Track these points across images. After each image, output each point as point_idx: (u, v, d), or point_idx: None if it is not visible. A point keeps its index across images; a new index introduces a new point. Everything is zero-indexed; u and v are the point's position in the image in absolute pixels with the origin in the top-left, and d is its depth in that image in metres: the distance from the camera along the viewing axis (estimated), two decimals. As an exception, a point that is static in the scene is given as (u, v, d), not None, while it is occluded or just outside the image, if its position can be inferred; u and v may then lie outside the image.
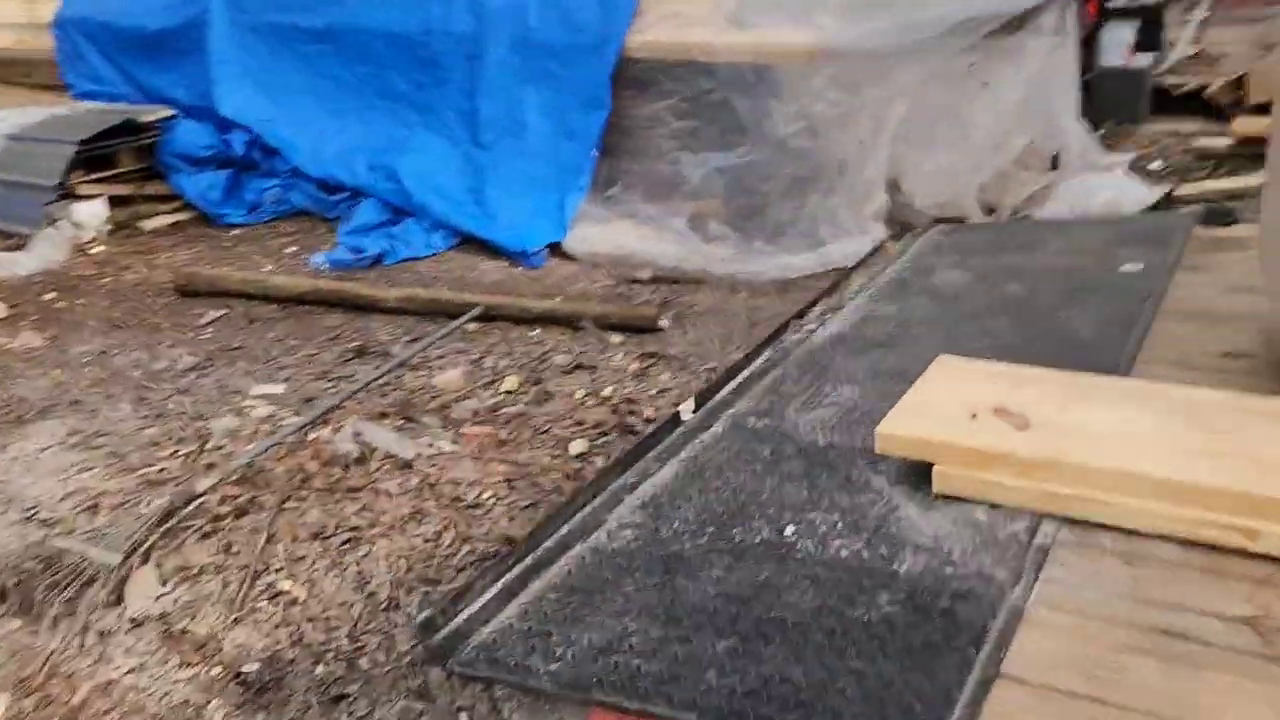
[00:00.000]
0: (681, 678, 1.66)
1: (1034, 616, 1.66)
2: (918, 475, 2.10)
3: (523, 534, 3.19)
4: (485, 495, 3.39)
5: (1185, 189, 5.24)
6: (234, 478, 3.43)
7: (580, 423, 3.86)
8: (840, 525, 1.99)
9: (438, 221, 6.05)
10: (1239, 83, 6.78)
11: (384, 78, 6.55)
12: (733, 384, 2.74)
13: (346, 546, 3.11)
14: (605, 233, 5.63)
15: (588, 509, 2.25)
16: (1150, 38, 7.04)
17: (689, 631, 1.76)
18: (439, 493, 3.38)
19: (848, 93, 5.27)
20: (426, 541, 3.16)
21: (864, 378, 2.61)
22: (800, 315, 3.16)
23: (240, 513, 3.29)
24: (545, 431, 3.83)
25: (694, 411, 2.64)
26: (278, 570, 3.04)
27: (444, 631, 1.89)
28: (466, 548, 3.14)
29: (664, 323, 4.70)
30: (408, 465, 3.48)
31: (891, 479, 2.13)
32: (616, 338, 4.61)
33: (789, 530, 2.02)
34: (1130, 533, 1.81)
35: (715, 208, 5.60)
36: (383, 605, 2.90)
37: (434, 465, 3.52)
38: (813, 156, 5.42)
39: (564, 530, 2.18)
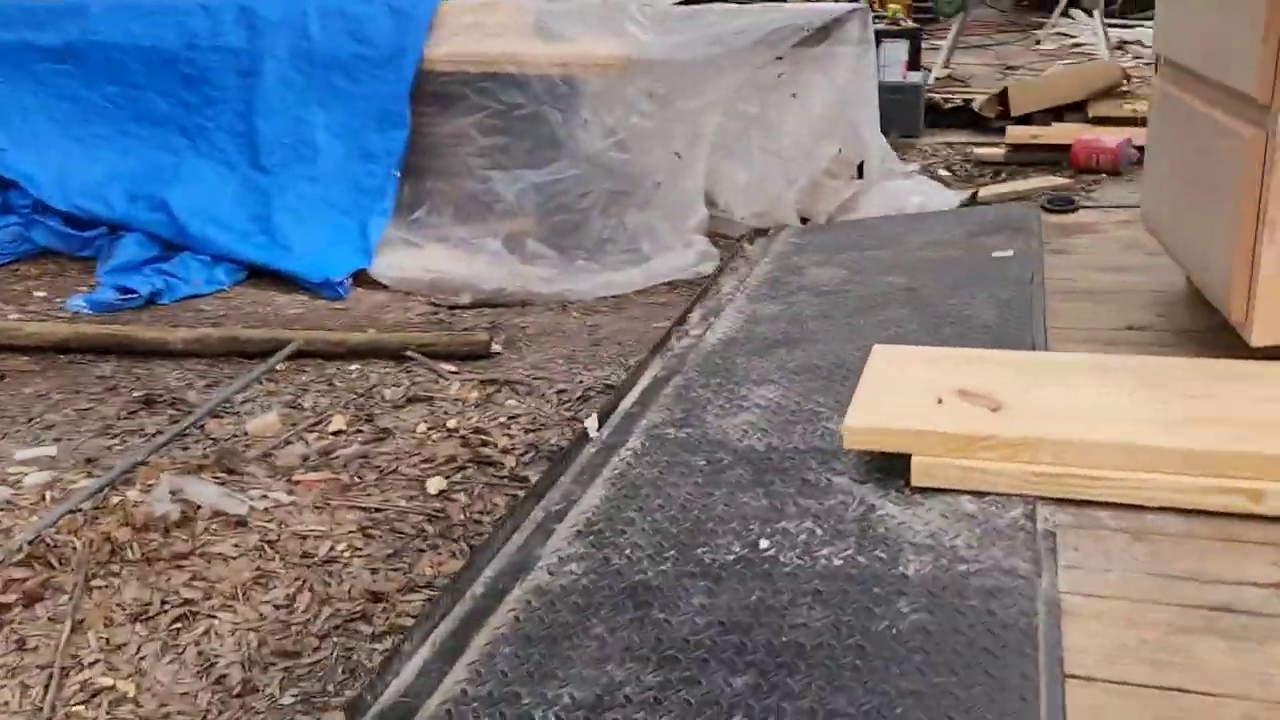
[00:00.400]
0: (708, 730, 1.39)
1: (1072, 607, 1.51)
2: (882, 470, 1.93)
3: (392, 588, 2.79)
4: (339, 548, 2.95)
5: (984, 192, 5.48)
6: (17, 558, 2.83)
7: (430, 459, 3.48)
8: (820, 532, 1.78)
9: (221, 255, 5.43)
10: (1002, 97, 7.24)
11: (142, 99, 5.84)
12: (634, 394, 2.50)
13: (179, 625, 2.60)
14: (416, 257, 5.24)
15: (512, 546, 1.93)
16: (915, 59, 7.43)
17: (692, 672, 1.49)
18: (283, 550, 2.91)
19: (662, 104, 5.17)
20: (278, 608, 2.70)
21: (778, 377, 2.44)
22: (681, 321, 2.96)
23: (31, 600, 2.70)
24: (393, 471, 3.42)
25: (599, 428, 2.38)
26: (92, 664, 2.49)
27: (373, 711, 1.52)
28: (328, 610, 2.70)
29: (497, 347, 4.38)
30: (241, 523, 2.99)
31: (854, 477, 1.94)
32: (448, 366, 4.24)
33: (763, 544, 1.79)
34: (1130, 508, 1.70)
35: (531, 226, 5.33)
36: (235, 691, 2.42)
37: (271, 520, 3.04)
38: (629, 170, 5.27)
39: (490, 574, 1.85)
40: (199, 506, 2.95)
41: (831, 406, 2.22)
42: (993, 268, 2.94)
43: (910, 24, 7.97)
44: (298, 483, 3.28)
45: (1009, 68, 9.27)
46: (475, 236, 5.32)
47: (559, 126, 5.16)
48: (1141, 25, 10.30)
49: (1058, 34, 10.97)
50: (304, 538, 2.98)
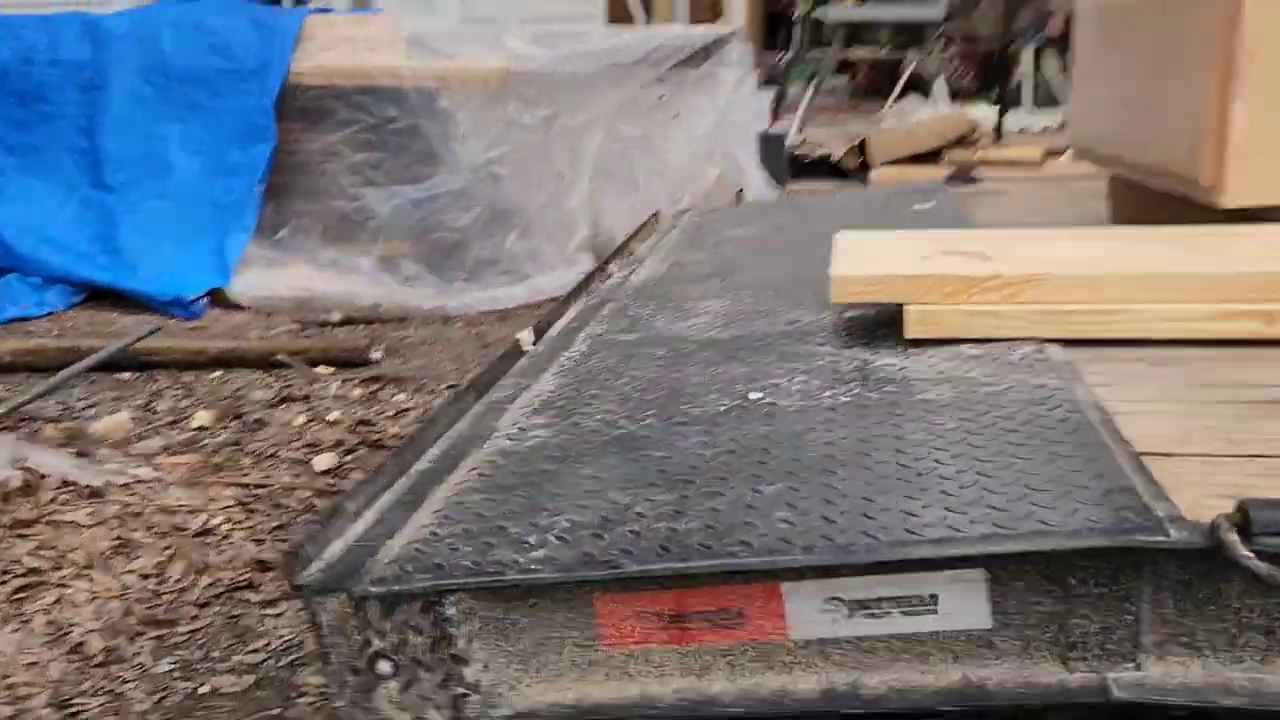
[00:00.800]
0: (752, 524, 1.15)
1: (1120, 409, 1.36)
2: (868, 335, 1.77)
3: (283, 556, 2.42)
4: (216, 521, 2.56)
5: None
6: None
7: (313, 444, 3.12)
8: (817, 381, 1.60)
9: (56, 276, 4.93)
10: (862, 148, 7.47)
11: (-36, 116, 5.34)
12: (567, 317, 2.27)
13: (23, 595, 2.16)
14: (281, 276, 4.87)
15: (461, 426, 1.66)
16: (777, 111, 7.64)
17: (713, 488, 1.26)
18: (149, 522, 2.50)
19: (543, 120, 5.05)
20: (145, 578, 2.29)
21: (723, 294, 2.27)
22: (600, 270, 2.78)
23: None
24: (272, 455, 3.04)
25: (534, 342, 2.13)
26: (-93, 641, 2.03)
27: (326, 557, 1.22)
28: (206, 579, 2.30)
29: (376, 354, 4.05)
30: (96, 494, 2.56)
31: (838, 345, 1.77)
32: (326, 369, 3.89)
33: (755, 395, 1.59)
34: (1143, 343, 1.59)
35: (406, 247, 5.05)
36: (96, 660, 2.00)
37: (133, 494, 2.62)
38: (511, 186, 5.10)
39: (437, 450, 1.58)
40: (44, 476, 2.51)
41: (792, 306, 2.05)
42: (918, 216, 2.89)
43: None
44: (162, 463, 2.86)
45: (853, 138, 9.68)
46: (346, 256, 5.01)
47: (437, 140, 4.95)
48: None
49: (898, 114, 11.58)
50: (172, 511, 2.57)
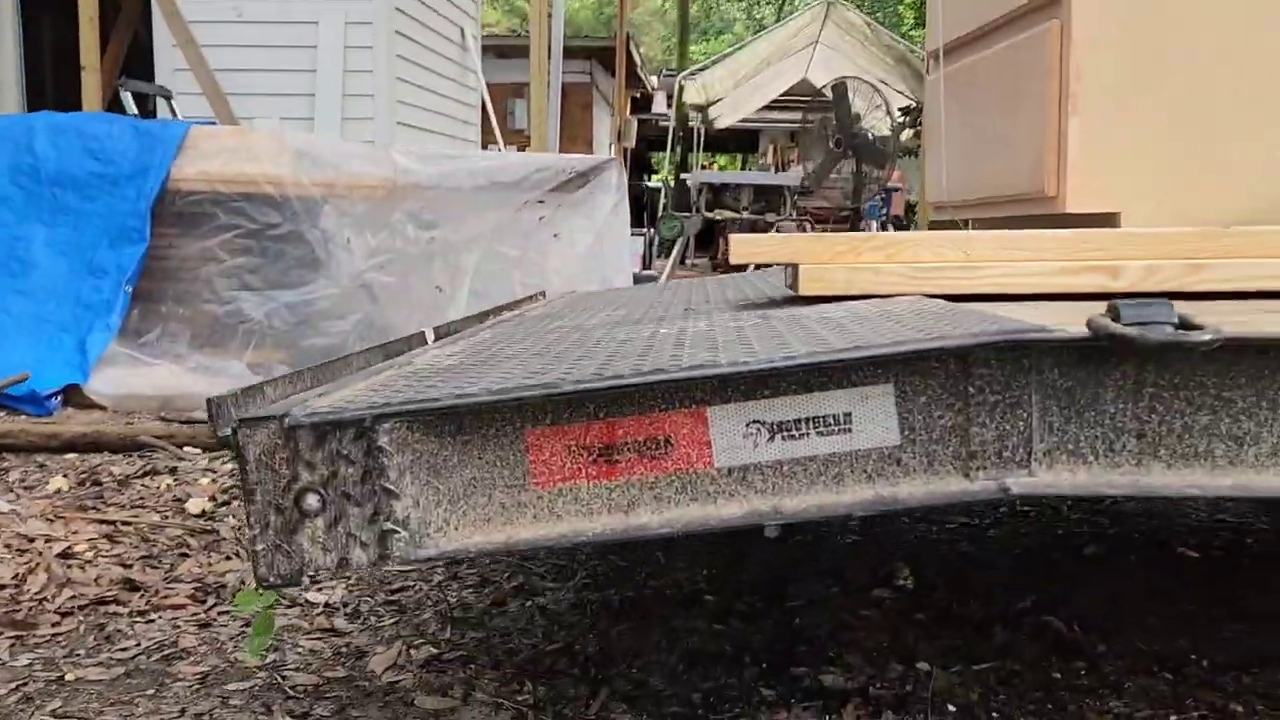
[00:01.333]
0: (678, 359, 1.22)
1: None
2: (766, 305, 1.90)
3: (157, 579, 2.31)
4: (80, 548, 2.42)
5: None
6: None
7: (181, 498, 3.00)
8: (724, 320, 1.69)
9: (-103, 369, 4.64)
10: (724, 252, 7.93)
11: None
12: (470, 327, 2.32)
13: None
14: (145, 376, 4.73)
15: (374, 354, 1.68)
16: (647, 261, 8.01)
17: (636, 357, 1.33)
18: (6, 541, 2.35)
19: (425, 234, 5.19)
20: (3, 587, 2.14)
21: (621, 309, 2.37)
22: (496, 311, 2.84)
23: None
24: (139, 505, 2.91)
25: (435, 340, 2.17)
26: None
27: (251, 414, 1.22)
28: (69, 592, 2.16)
29: (248, 440, 3.93)
30: (-53, 515, 2.39)
31: (740, 306, 1.89)
32: (194, 450, 3.75)
33: (665, 330, 1.66)
34: (1006, 298, 1.77)
35: (278, 354, 5.00)
36: (-57, 652, 1.85)
37: (-13, 520, 2.46)
38: (390, 297, 5.15)
39: (358, 366, 1.60)
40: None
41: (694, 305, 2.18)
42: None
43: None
44: (19, 498, 2.70)
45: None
46: (217, 360, 4.92)
47: (318, 246, 5.00)
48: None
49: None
50: (32, 538, 2.42)
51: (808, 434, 1.20)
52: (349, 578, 2.24)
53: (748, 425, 1.20)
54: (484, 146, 8.88)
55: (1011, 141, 2.31)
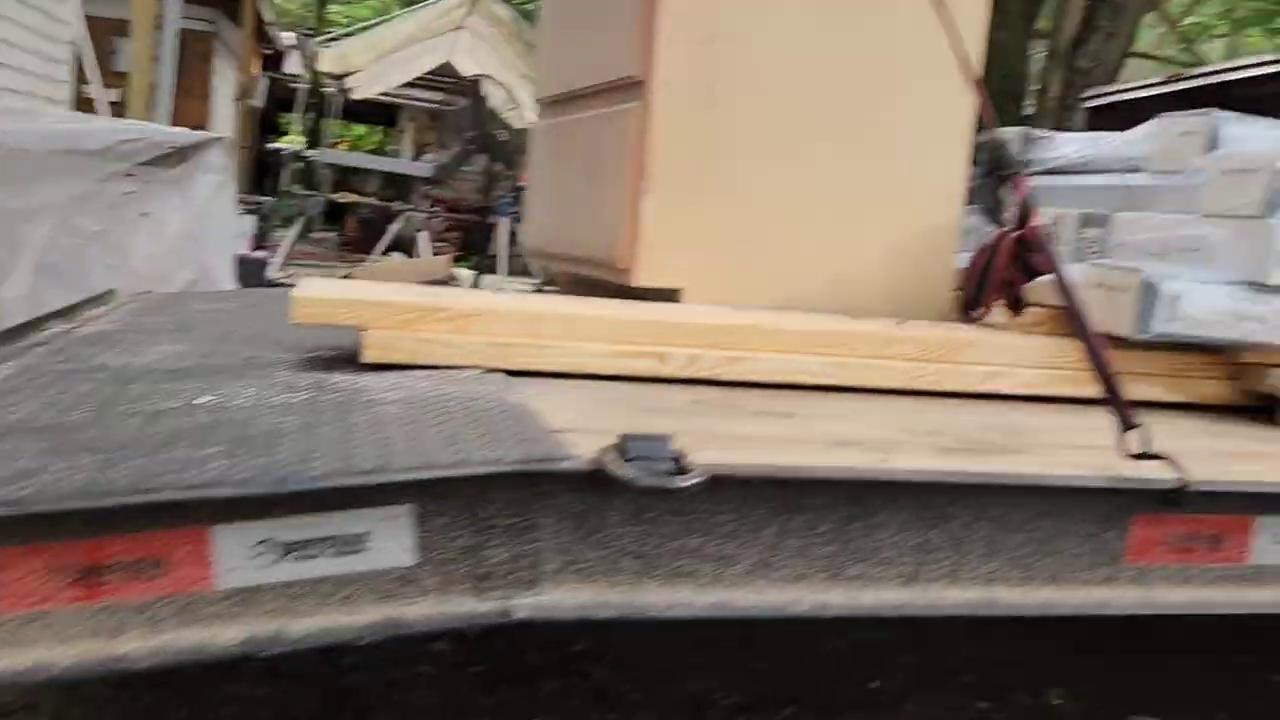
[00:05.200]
0: (186, 473, 1.14)
1: (539, 408, 1.54)
2: (329, 366, 1.82)
3: None
4: None
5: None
6: None
7: None
8: (271, 392, 1.58)
9: None
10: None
11: None
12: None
13: None
14: None
15: None
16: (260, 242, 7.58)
17: (149, 450, 1.23)
18: None
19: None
20: None
21: (180, 341, 2.17)
22: (37, 324, 2.50)
23: None
24: None
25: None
26: None
27: None
28: None
29: None
30: None
31: (297, 370, 1.80)
32: None
33: (202, 399, 1.53)
34: (571, 376, 1.83)
35: None
36: None
37: None
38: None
39: None
40: None
41: (256, 350, 2.06)
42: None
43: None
44: None
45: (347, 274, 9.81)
46: None
47: None
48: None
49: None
50: None
51: (321, 554, 1.16)
52: None
53: (256, 545, 1.14)
54: (78, 90, 7.91)
55: (595, 208, 2.41)
